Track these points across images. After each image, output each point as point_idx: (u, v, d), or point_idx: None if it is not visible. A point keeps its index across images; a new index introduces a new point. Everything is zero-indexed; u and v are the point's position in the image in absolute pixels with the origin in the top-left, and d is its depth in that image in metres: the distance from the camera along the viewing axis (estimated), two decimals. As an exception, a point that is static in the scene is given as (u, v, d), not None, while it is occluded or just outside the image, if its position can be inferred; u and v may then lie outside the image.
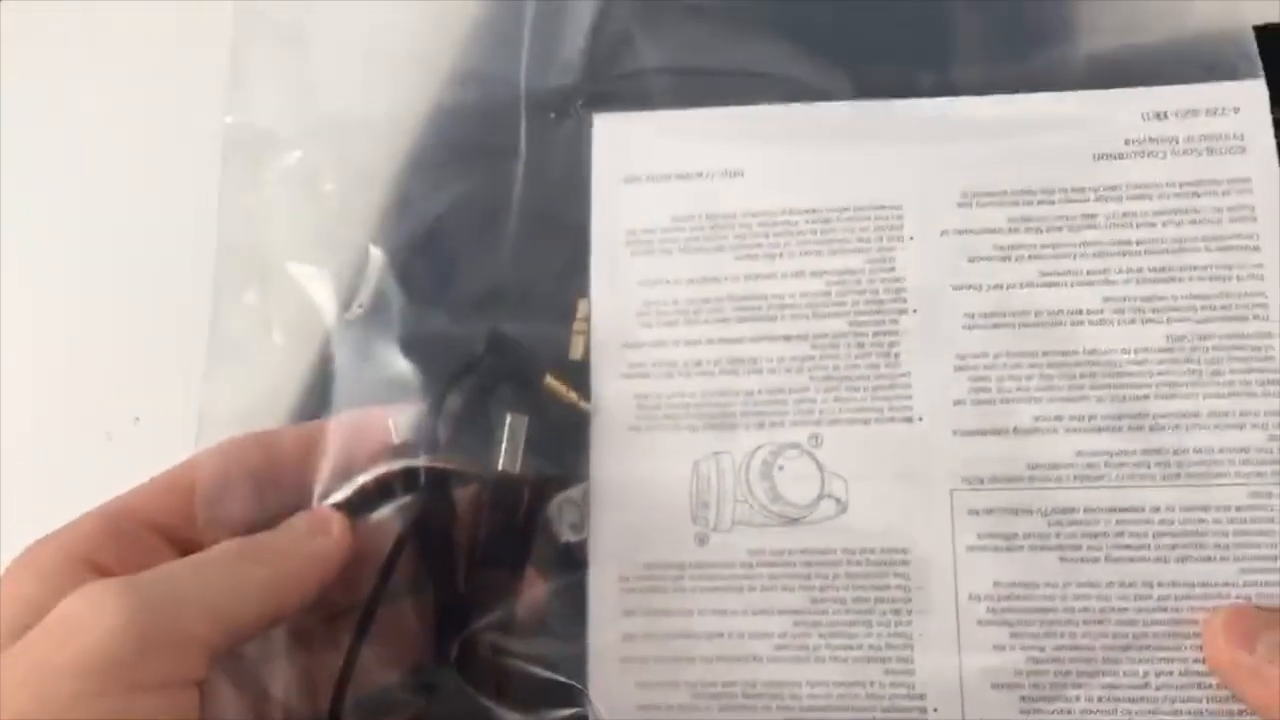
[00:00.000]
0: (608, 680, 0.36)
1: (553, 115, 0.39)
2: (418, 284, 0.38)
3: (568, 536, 0.36)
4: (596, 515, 0.37)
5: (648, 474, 0.37)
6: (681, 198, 0.39)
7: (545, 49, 0.39)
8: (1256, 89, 0.37)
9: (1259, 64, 0.37)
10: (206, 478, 0.34)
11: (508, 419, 0.35)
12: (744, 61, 0.39)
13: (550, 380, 0.36)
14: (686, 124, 0.39)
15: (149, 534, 0.34)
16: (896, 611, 0.35)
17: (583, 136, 0.39)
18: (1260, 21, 0.37)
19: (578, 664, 0.36)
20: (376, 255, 0.38)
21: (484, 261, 0.38)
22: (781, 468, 0.36)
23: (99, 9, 0.45)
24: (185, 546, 0.34)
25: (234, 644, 0.31)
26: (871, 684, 0.35)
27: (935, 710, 0.35)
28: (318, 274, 0.37)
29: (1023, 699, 0.34)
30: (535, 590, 0.36)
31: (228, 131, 0.38)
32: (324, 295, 0.37)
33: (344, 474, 0.35)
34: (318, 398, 0.37)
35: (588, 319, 0.38)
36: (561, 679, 0.35)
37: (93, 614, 0.28)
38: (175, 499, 0.34)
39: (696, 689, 0.35)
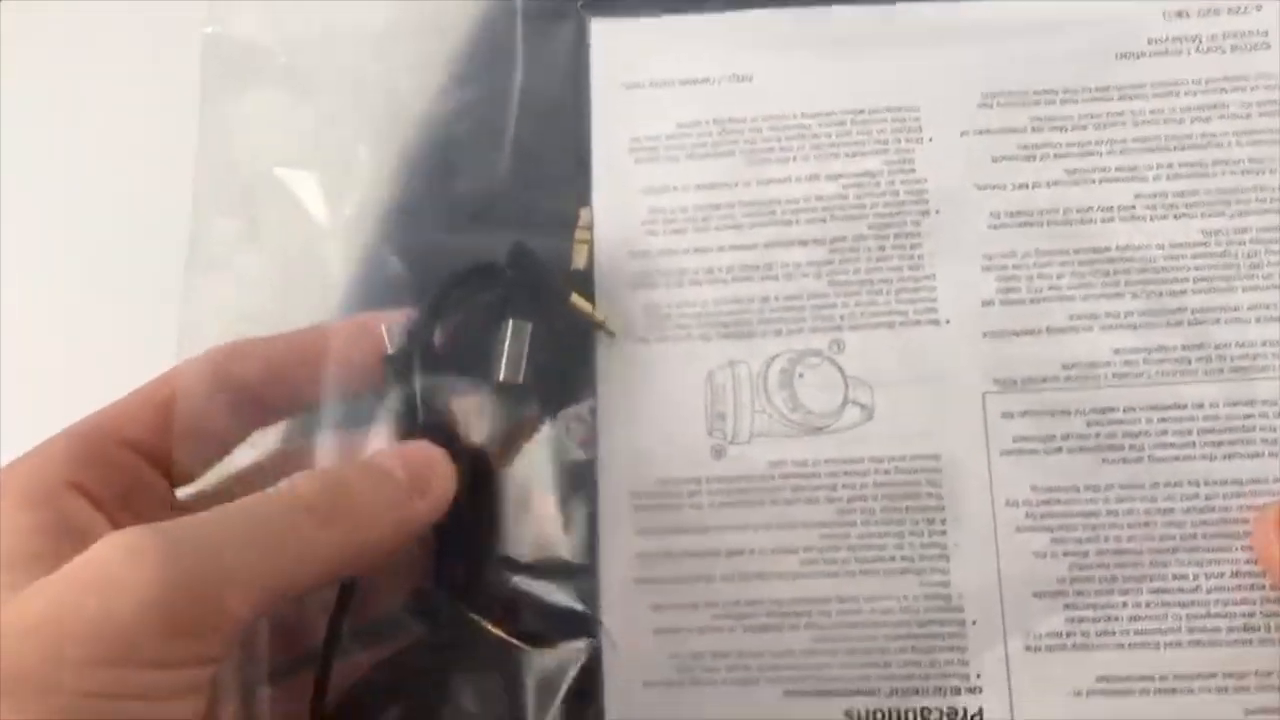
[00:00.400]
0: (622, 603, 0.33)
1: (550, 18, 0.37)
2: (414, 191, 0.36)
3: (576, 455, 0.34)
4: (605, 431, 0.34)
5: (658, 386, 0.35)
6: (687, 103, 0.37)
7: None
8: (1278, -15, 0.36)
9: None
10: (186, 388, 0.32)
11: (509, 324, 0.33)
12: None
13: (576, 298, 0.34)
14: (688, 29, 0.38)
15: (127, 453, 0.31)
16: (930, 521, 0.33)
17: (582, 41, 0.38)
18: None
19: (589, 589, 0.33)
20: (368, 159, 0.36)
21: (482, 170, 0.36)
22: (802, 375, 0.34)
23: (99, 9, 0.44)
24: (169, 466, 0.32)
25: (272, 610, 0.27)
26: (905, 597, 0.33)
27: (974, 622, 0.32)
28: (307, 178, 0.35)
29: (1067, 606, 0.32)
30: (544, 510, 0.34)
31: (206, 42, 0.36)
32: (314, 200, 0.35)
33: (340, 384, 0.33)
34: (309, 306, 0.34)
35: (590, 227, 0.36)
36: (572, 605, 0.33)
37: (130, 572, 0.24)
38: (154, 414, 0.32)
39: (717, 609, 0.33)
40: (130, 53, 0.44)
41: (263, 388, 0.33)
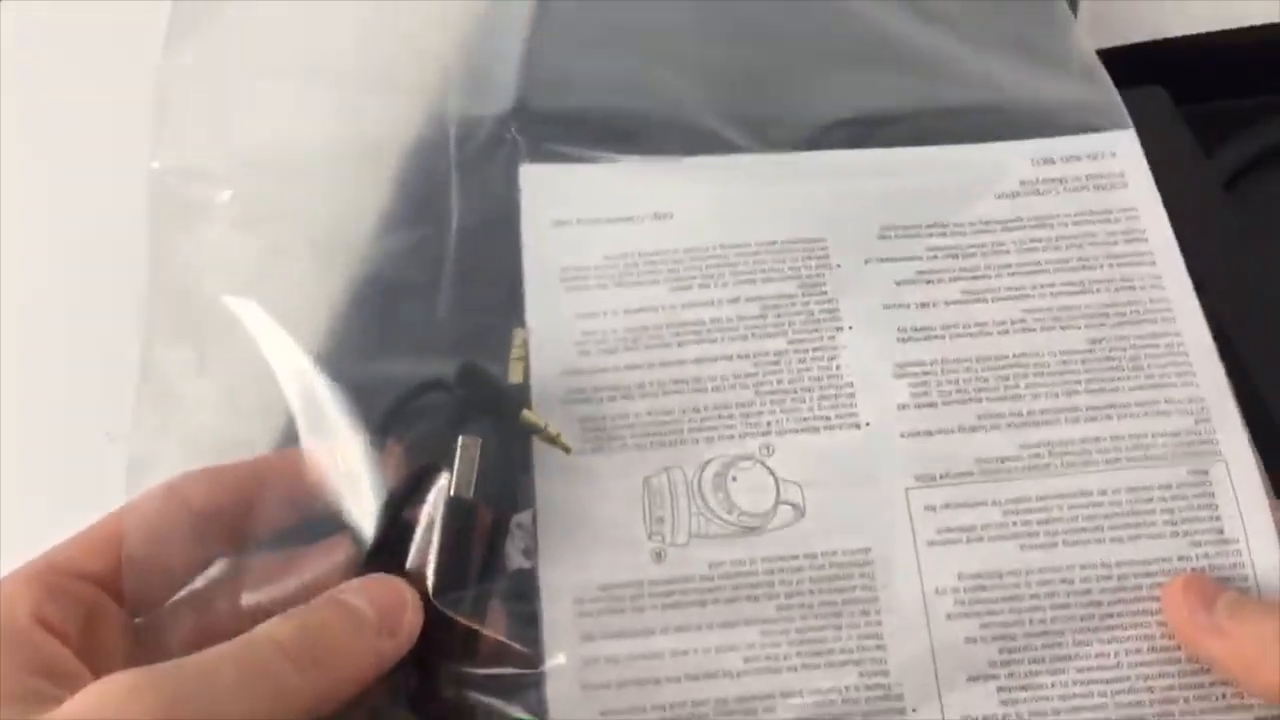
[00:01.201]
0: (570, 710, 0.34)
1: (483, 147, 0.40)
2: (355, 321, 0.38)
3: (519, 563, 0.35)
4: (545, 540, 0.35)
5: (597, 494, 0.36)
6: (612, 238, 0.40)
7: (475, 80, 0.41)
8: (1128, 137, 0.42)
9: (1128, 117, 0.42)
10: (141, 518, 0.32)
11: (459, 440, 0.34)
12: (664, 113, 0.42)
13: (528, 413, 0.36)
14: (610, 175, 0.41)
15: (85, 586, 0.31)
16: (865, 612, 0.35)
17: (513, 174, 0.41)
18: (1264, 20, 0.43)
19: (538, 696, 0.34)
20: (312, 288, 0.37)
21: (420, 299, 0.38)
22: (735, 478, 0.36)
23: (100, 8, 0.45)
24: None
25: None
26: (847, 689, 0.34)
27: (914, 710, 0.34)
28: (253, 307, 0.36)
29: (1000, 689, 0.34)
30: (494, 622, 0.34)
31: (153, 176, 0.38)
32: (261, 329, 0.36)
33: (291, 509, 0.34)
34: (256, 434, 0.35)
35: (525, 345, 0.38)
36: (522, 716, 0.33)
37: (134, 710, 0.25)
38: (108, 546, 0.32)
39: (665, 712, 0.34)
40: (129, 52, 0.43)
41: (219, 516, 0.33)
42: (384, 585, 0.32)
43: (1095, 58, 0.43)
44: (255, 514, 0.34)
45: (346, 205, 0.39)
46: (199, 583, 0.33)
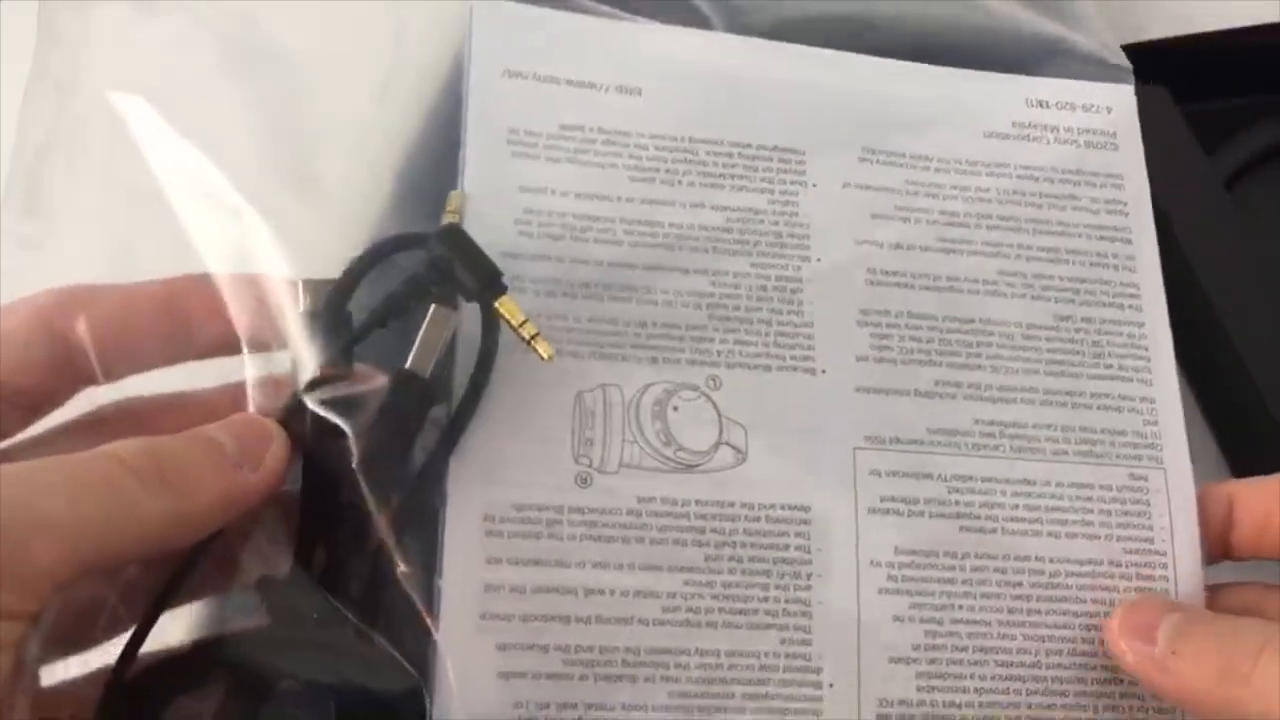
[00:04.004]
0: (463, 639, 0.31)
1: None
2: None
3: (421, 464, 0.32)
4: (459, 445, 0.32)
5: (522, 400, 0.33)
6: (571, 105, 0.36)
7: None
8: (1126, 93, 0.41)
9: (1130, 72, 0.41)
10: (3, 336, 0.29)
11: (431, 310, 0.31)
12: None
13: (507, 300, 0.32)
14: (578, 28, 0.37)
15: None
16: (796, 575, 0.33)
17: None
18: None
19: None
20: (225, 96, 0.32)
21: (352, 144, 0.34)
22: (676, 408, 0.34)
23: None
24: None
25: (87, 575, 0.26)
26: (766, 654, 0.33)
27: (831, 685, 0.33)
28: (152, 114, 0.31)
29: (919, 674, 0.33)
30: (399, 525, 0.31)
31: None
32: (160, 140, 0.31)
33: (181, 345, 0.30)
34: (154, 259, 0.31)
35: (459, 212, 0.34)
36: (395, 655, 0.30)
37: None
38: None
39: (569, 654, 0.32)
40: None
41: (97, 345, 0.30)
42: (246, 419, 0.30)
43: (1099, 15, 0.42)
44: (143, 349, 0.31)
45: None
46: (57, 417, 0.30)
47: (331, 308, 0.30)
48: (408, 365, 0.30)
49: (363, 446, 0.29)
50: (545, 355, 0.32)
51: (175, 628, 0.30)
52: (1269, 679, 0.30)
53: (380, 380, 0.30)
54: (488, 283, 0.31)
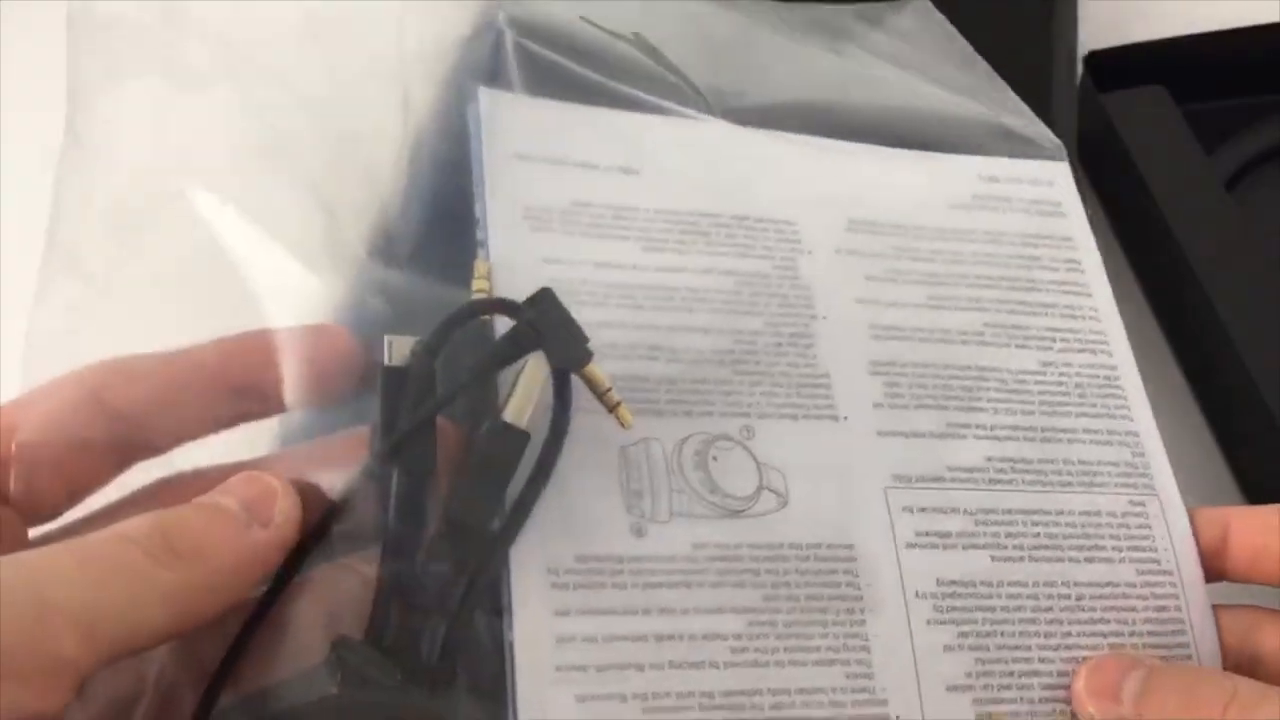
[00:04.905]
0: (540, 693, 0.31)
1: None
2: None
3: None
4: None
5: (569, 459, 0.34)
6: (579, 184, 0.38)
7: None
8: (1063, 168, 0.45)
9: (1064, 151, 0.45)
10: (48, 415, 0.28)
11: (529, 361, 0.31)
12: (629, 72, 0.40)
13: (594, 367, 0.32)
14: (576, 118, 0.40)
15: None
16: (850, 610, 0.34)
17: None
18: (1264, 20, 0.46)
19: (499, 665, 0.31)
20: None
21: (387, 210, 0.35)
22: (715, 458, 0.35)
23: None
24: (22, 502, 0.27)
25: (116, 662, 0.25)
26: (832, 689, 0.33)
27: (898, 717, 0.33)
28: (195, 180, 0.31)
29: (975, 701, 0.34)
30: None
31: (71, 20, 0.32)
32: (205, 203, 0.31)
33: (238, 405, 0.30)
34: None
35: (488, 278, 0.35)
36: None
37: None
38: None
39: (647, 701, 0.32)
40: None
41: (147, 417, 0.29)
42: (247, 478, 0.29)
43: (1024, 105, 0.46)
44: (184, 412, 0.30)
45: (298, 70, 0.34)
46: (110, 492, 0.30)
47: (420, 365, 0.31)
48: (504, 417, 0.31)
49: (454, 502, 0.29)
50: (627, 424, 0.33)
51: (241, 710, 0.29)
52: None
53: (454, 435, 0.31)
54: (577, 348, 0.32)
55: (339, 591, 0.30)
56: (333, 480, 0.30)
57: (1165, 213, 0.42)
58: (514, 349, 0.31)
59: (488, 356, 0.31)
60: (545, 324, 0.32)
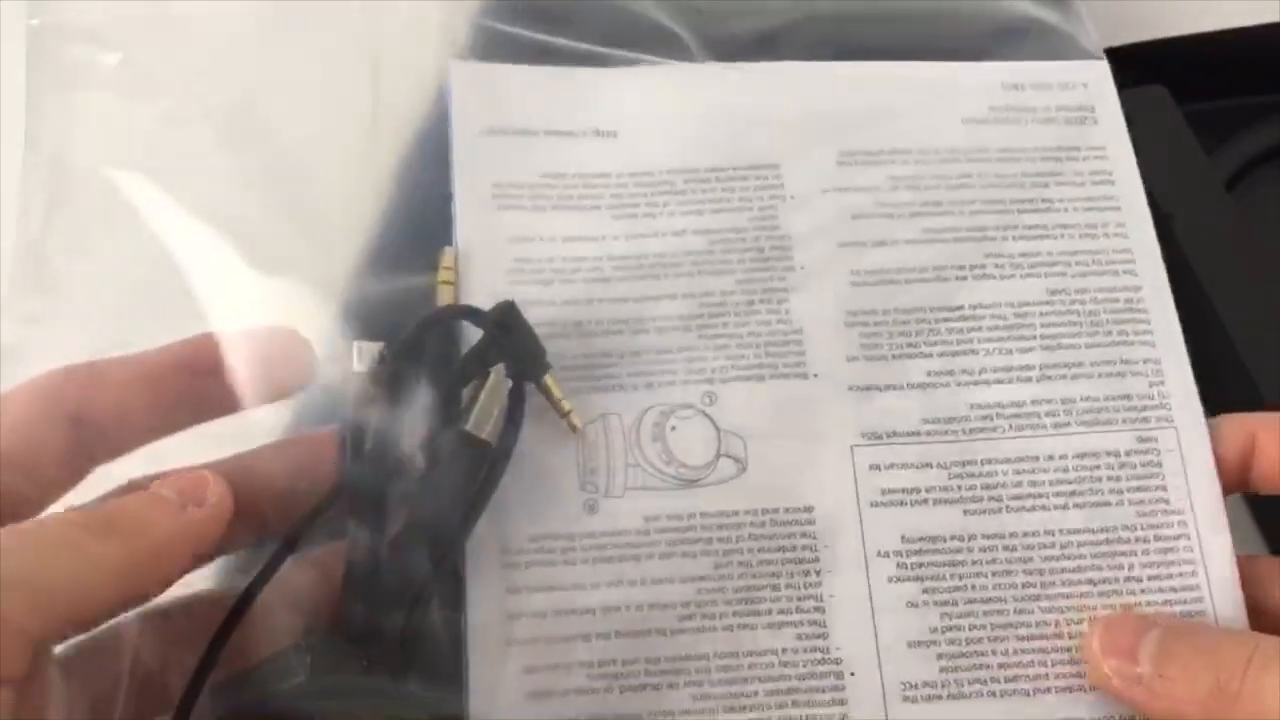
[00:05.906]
0: (492, 667, 0.34)
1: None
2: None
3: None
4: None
5: (527, 441, 0.36)
6: (550, 155, 0.39)
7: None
8: (1100, 67, 0.42)
9: (1101, 49, 0.42)
10: (10, 420, 0.31)
11: (491, 375, 0.34)
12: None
13: (550, 379, 0.35)
14: (550, 81, 0.40)
15: None
16: (805, 573, 0.36)
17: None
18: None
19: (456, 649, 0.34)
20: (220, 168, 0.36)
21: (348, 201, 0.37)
22: (674, 428, 0.37)
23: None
24: None
25: (69, 633, 0.28)
26: (784, 650, 0.35)
27: (853, 674, 0.35)
28: (149, 188, 0.34)
29: (940, 656, 0.35)
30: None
31: (31, 33, 0.36)
32: (159, 212, 0.34)
33: (196, 411, 0.33)
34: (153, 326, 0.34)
35: (454, 268, 0.37)
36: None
37: None
38: None
39: (593, 669, 0.34)
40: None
41: (108, 420, 0.32)
42: (179, 473, 0.31)
43: None
44: (145, 416, 0.32)
45: (251, 73, 0.37)
46: (72, 498, 0.32)
47: (392, 371, 0.33)
48: (468, 427, 0.33)
49: (419, 507, 0.32)
50: (576, 428, 0.36)
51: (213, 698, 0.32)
52: (1259, 693, 0.31)
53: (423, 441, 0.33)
54: (536, 360, 0.35)
55: (308, 585, 0.33)
56: (300, 479, 0.34)
57: (1165, 213, 0.41)
58: (478, 365, 0.34)
59: (454, 372, 0.34)
60: (507, 340, 0.34)
